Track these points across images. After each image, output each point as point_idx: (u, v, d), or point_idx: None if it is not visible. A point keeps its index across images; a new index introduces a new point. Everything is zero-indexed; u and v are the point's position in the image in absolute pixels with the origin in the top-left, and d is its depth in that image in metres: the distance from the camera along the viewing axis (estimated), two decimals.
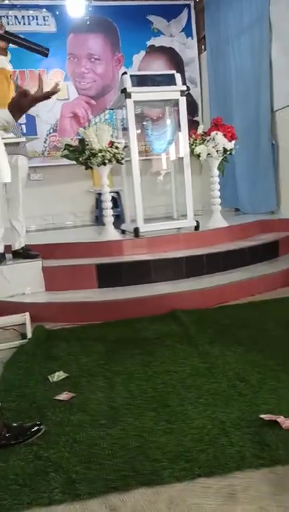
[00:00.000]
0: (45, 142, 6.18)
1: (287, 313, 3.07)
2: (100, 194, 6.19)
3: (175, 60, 6.36)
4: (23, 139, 3.30)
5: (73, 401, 2.09)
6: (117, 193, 5.87)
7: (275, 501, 1.35)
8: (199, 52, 6.44)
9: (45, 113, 6.10)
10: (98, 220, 6.31)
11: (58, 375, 2.38)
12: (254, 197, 5.29)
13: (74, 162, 4.00)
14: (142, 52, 6.27)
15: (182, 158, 4.57)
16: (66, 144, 3.82)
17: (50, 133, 6.19)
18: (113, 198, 4.79)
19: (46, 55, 1.77)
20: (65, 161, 5.93)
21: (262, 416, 1.78)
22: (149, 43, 6.27)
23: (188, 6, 6.29)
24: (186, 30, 6.33)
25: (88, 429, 1.83)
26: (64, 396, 2.14)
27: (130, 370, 2.37)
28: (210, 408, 1.90)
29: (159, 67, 6.32)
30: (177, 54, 6.34)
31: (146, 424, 1.83)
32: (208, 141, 4.08)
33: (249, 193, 5.40)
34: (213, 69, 5.95)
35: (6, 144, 3.11)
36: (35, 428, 1.82)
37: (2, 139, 2.98)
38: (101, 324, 3.20)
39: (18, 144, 3.40)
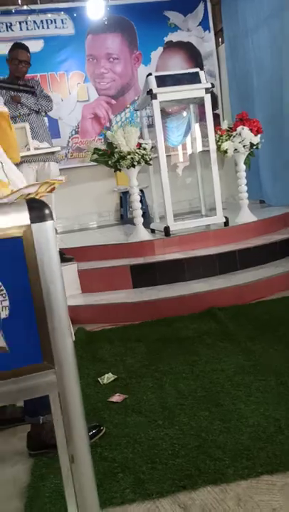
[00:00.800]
0: (67, 144, 6.26)
1: None
2: (124, 193, 6.29)
3: (193, 55, 6.36)
4: (58, 148, 3.38)
5: (126, 402, 2.18)
6: (141, 190, 5.92)
7: None
8: (217, 45, 6.42)
9: (66, 115, 6.17)
10: (123, 218, 6.38)
11: (108, 377, 2.46)
12: (278, 189, 5.30)
13: (96, 163, 4.06)
14: (160, 49, 6.28)
15: (204, 152, 4.62)
16: (95, 148, 3.89)
17: (72, 135, 6.26)
18: None
19: (33, 94, 1.82)
20: (88, 162, 6.05)
21: None
22: (166, 39, 6.27)
23: None
24: (203, 24, 6.31)
25: (146, 430, 1.91)
26: (116, 398, 2.23)
27: (176, 370, 2.45)
28: (262, 406, 1.96)
29: (177, 62, 6.32)
30: (195, 48, 6.33)
31: (202, 423, 1.90)
32: (234, 136, 4.10)
33: (273, 185, 5.40)
34: (232, 62, 5.94)
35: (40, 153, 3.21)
36: (96, 430, 1.92)
37: (36, 149, 3.07)
38: (140, 324, 3.28)
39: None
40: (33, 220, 0.79)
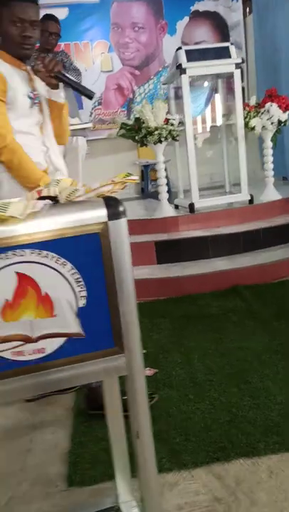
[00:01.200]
0: (90, 116, 6.22)
1: None
2: (145, 166, 6.28)
3: (219, 25, 6.21)
4: (90, 124, 3.40)
5: (156, 376, 2.27)
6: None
7: None
8: (244, 16, 6.25)
9: (89, 86, 6.08)
10: (144, 192, 6.39)
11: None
12: None
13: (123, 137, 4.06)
14: (186, 18, 6.14)
15: (227, 125, 4.59)
16: (122, 123, 3.89)
17: (95, 106, 6.22)
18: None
19: (91, 98, 1.87)
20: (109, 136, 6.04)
21: None
22: (192, 8, 6.12)
23: None
24: None
25: (178, 403, 2.01)
26: (148, 372, 2.32)
27: (203, 347, 2.53)
28: None
29: (203, 32, 6.18)
30: (222, 18, 6.18)
31: (232, 399, 1.99)
32: (262, 113, 4.06)
33: None
34: (260, 33, 5.79)
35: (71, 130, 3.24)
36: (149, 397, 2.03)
37: (71, 125, 3.10)
38: (165, 300, 3.35)
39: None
40: (110, 218, 0.84)
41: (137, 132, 3.88)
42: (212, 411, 1.92)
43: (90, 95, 1.84)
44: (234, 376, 2.18)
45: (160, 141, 3.84)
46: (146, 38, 6.10)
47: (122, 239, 0.86)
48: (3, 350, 0.84)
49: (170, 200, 4.35)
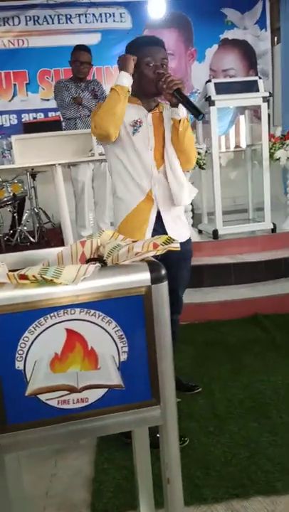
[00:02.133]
0: None
1: None
2: None
3: (247, 53, 6.33)
4: None
5: (179, 406, 2.32)
6: None
7: None
8: (272, 45, 6.36)
9: None
10: None
11: None
12: None
13: None
14: (215, 46, 6.27)
15: (250, 147, 4.68)
16: None
17: None
18: None
19: (197, 118, 1.96)
20: None
21: None
22: (222, 36, 6.25)
23: None
24: (260, 22, 6.25)
25: (199, 435, 2.06)
26: None
27: (225, 377, 2.58)
28: None
29: (231, 60, 6.31)
30: (250, 46, 6.29)
31: (252, 434, 2.04)
32: (287, 145, 4.13)
33: None
34: (287, 63, 5.89)
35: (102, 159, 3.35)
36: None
37: (100, 154, 3.22)
38: (187, 325, 3.41)
39: None
40: (153, 282, 0.93)
41: None
42: (232, 445, 1.97)
43: (198, 114, 1.94)
44: (254, 410, 2.23)
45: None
46: (175, 64, 6.24)
47: (162, 301, 0.94)
48: (51, 399, 0.93)
49: (193, 223, 4.43)
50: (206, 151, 4.12)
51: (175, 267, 2.07)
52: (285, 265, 3.92)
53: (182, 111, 1.97)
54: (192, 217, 4.31)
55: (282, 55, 6.01)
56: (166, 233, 2.02)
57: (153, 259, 0.98)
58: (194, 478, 1.79)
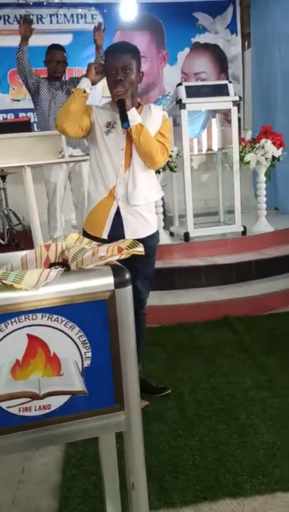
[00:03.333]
0: None
1: None
2: None
3: (219, 57, 6.39)
4: None
5: (149, 409, 2.33)
6: None
7: None
8: (243, 49, 6.45)
9: None
10: None
11: None
12: (279, 196, 5.38)
13: None
14: (187, 49, 6.31)
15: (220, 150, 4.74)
16: None
17: None
18: None
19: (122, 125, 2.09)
20: None
21: None
22: (193, 40, 6.30)
23: (234, 1, 6.27)
24: (231, 27, 6.32)
25: (168, 439, 2.06)
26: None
27: (195, 379, 2.59)
28: (276, 423, 2.11)
29: (202, 64, 6.36)
30: (221, 51, 6.36)
31: (221, 436, 2.05)
32: (257, 148, 4.18)
33: (274, 192, 5.46)
34: (257, 67, 5.97)
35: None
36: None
37: (70, 156, 3.19)
38: (157, 328, 3.41)
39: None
40: (116, 286, 0.92)
41: None
42: (201, 448, 1.98)
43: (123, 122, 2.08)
44: (223, 412, 2.24)
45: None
46: (147, 67, 6.24)
47: (127, 305, 0.93)
48: (12, 406, 0.90)
49: (165, 225, 4.44)
50: (178, 154, 4.14)
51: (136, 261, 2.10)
52: (255, 268, 3.96)
53: (134, 118, 2.08)
54: (163, 220, 4.32)
55: (252, 59, 6.10)
56: (122, 228, 2.16)
57: (117, 263, 0.97)
58: (163, 482, 1.78)
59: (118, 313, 0.93)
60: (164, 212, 4.46)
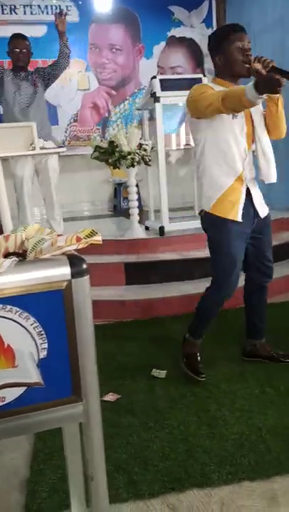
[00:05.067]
0: (65, 132, 6.28)
1: None
2: (118, 184, 6.36)
3: (195, 51, 6.40)
4: (64, 149, 3.45)
5: (120, 402, 2.32)
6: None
7: None
8: None
9: (66, 103, 6.19)
10: (116, 209, 6.47)
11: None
12: (271, 193, 5.41)
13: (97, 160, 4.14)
14: (162, 43, 6.30)
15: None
16: (96, 146, 3.96)
17: (70, 123, 6.29)
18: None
19: None
20: (84, 150, 6.10)
21: None
22: (169, 34, 6.29)
23: None
24: (207, 21, 6.34)
25: (139, 431, 2.06)
26: (110, 397, 2.37)
27: (167, 373, 2.59)
28: (246, 414, 2.13)
29: (178, 58, 6.36)
30: (197, 45, 6.37)
31: (190, 428, 2.06)
32: None
33: (267, 189, 5.51)
34: None
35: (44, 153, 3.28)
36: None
37: (41, 148, 3.14)
38: (131, 322, 3.41)
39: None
40: (73, 276, 0.90)
41: (110, 155, 3.95)
42: (171, 440, 1.98)
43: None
44: (194, 404, 2.25)
45: (133, 166, 3.93)
46: (123, 60, 6.22)
47: (84, 295, 0.92)
48: None
49: (141, 220, 4.44)
50: (152, 148, 4.12)
51: (263, 233, 2.44)
52: None
53: None
54: (139, 214, 4.31)
55: None
56: (254, 208, 2.34)
57: (75, 252, 0.95)
58: (132, 474, 1.78)
59: (75, 304, 0.91)
60: (139, 207, 4.46)
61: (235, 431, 2.01)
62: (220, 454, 1.86)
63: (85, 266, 0.92)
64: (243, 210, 2.29)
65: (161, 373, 2.57)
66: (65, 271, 0.90)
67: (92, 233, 0.98)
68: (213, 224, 2.38)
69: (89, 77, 6.22)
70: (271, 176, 2.33)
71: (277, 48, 4.93)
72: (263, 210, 2.40)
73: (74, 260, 0.91)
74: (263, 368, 2.56)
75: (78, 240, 0.97)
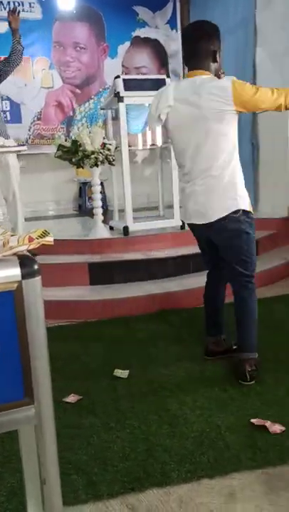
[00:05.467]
0: (29, 130, 6.20)
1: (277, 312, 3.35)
2: (83, 183, 6.33)
3: (159, 52, 6.43)
4: (25, 148, 3.41)
5: (81, 403, 2.31)
6: (101, 183, 5.97)
7: (268, 500, 1.62)
8: None
9: (29, 101, 6.11)
10: (81, 208, 6.43)
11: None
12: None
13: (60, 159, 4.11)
14: (127, 43, 6.30)
15: (162, 146, 4.77)
16: (60, 145, 3.93)
17: (34, 121, 6.21)
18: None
19: None
20: (49, 149, 6.03)
21: (252, 420, 2.05)
22: (134, 34, 6.30)
23: None
24: (171, 23, 6.38)
25: (99, 432, 2.05)
26: (72, 398, 2.35)
27: (130, 373, 2.59)
28: (206, 412, 2.15)
29: (143, 58, 6.38)
30: (161, 46, 6.40)
31: (151, 427, 2.07)
32: None
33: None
34: None
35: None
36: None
37: (1, 147, 3.10)
38: (96, 322, 3.40)
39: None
40: (23, 277, 0.89)
41: (74, 155, 3.93)
42: (131, 439, 1.98)
43: None
44: (155, 403, 2.26)
45: (96, 165, 3.91)
46: (87, 59, 6.19)
47: (35, 296, 0.91)
48: None
49: (105, 220, 4.42)
50: (116, 148, 4.12)
51: None
52: (193, 262, 4.02)
53: None
54: (104, 214, 4.30)
55: None
56: None
57: (27, 253, 0.94)
58: (91, 475, 1.77)
59: (26, 305, 0.90)
60: (104, 206, 4.45)
61: (196, 429, 2.03)
62: (180, 452, 1.88)
63: (36, 267, 0.91)
64: None
65: (124, 373, 2.57)
66: (15, 272, 0.89)
67: (45, 233, 0.97)
68: (250, 222, 2.39)
69: (53, 75, 6.16)
70: None
71: (240, 49, 5.01)
72: None
73: (25, 261, 0.90)
74: (224, 366, 2.60)
75: (30, 240, 0.96)
